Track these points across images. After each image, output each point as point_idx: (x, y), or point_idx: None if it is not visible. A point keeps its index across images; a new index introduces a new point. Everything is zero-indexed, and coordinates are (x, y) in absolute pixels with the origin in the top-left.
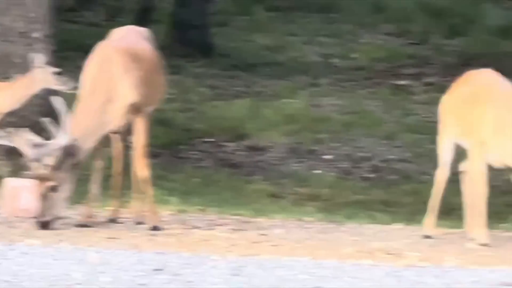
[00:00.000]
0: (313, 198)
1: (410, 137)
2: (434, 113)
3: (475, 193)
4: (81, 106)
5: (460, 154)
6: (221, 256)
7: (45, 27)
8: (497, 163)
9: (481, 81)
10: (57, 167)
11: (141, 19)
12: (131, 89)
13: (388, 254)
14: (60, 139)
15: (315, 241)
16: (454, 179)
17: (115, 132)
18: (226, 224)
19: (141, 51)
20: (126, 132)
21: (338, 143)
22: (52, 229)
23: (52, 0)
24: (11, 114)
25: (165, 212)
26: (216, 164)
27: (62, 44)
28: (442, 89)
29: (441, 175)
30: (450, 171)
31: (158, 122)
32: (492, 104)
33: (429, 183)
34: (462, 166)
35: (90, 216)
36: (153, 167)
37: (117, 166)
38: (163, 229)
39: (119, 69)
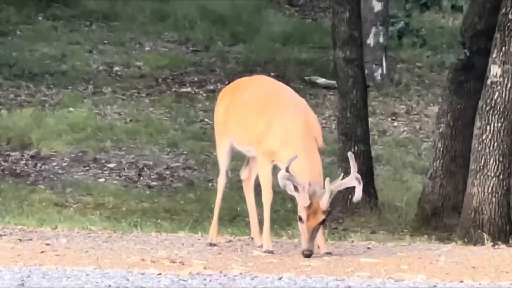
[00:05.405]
0: (98, 206)
1: (194, 144)
2: None
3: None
4: None
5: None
6: (6, 266)
7: None
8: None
9: (260, 88)
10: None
11: None
12: None
13: (173, 262)
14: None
15: (100, 250)
16: (240, 186)
17: None
18: (10, 234)
19: None
20: None
21: (122, 151)
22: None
23: None
24: None
25: None
26: (0, 174)
27: None
28: None
29: (222, 182)
30: (233, 178)
31: None
32: (278, 115)
33: (213, 190)
34: (243, 174)
35: None
36: None
37: None
38: None
39: None
